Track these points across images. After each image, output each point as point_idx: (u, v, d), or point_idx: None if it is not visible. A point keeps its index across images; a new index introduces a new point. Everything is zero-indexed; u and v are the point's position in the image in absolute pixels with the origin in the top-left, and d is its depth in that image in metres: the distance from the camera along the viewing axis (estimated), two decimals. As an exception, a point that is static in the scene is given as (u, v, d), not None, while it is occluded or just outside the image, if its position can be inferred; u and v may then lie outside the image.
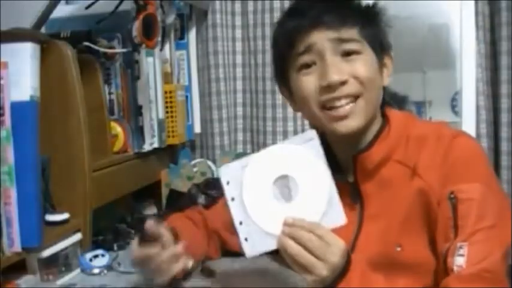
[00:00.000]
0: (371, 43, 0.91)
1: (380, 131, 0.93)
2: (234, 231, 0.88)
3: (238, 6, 1.78)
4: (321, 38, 0.89)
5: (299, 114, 1.74)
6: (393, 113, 0.96)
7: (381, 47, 0.93)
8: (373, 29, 0.92)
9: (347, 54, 0.89)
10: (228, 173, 0.80)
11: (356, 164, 0.92)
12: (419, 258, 0.89)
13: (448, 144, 0.88)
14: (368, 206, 0.93)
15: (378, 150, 0.92)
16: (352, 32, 0.89)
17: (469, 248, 0.80)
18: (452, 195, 0.84)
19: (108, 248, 1.26)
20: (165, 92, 1.57)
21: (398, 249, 0.89)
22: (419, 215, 0.88)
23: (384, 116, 0.95)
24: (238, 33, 1.80)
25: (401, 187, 0.90)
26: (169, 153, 1.67)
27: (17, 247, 1.00)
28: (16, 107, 0.99)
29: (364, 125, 0.91)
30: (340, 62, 0.89)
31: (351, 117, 0.89)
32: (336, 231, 0.87)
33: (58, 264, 1.12)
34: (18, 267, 1.06)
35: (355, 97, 0.89)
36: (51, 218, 1.14)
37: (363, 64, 0.90)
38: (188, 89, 1.76)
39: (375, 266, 0.85)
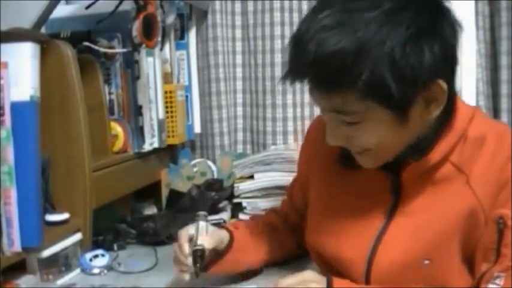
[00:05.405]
0: (383, 100, 0.74)
1: (441, 128, 0.82)
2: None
3: (238, 6, 1.78)
4: (319, 97, 0.79)
5: (299, 114, 1.76)
6: (461, 107, 0.84)
7: (412, 90, 0.74)
8: (387, 80, 0.72)
9: (343, 122, 0.79)
10: None
11: (403, 165, 0.84)
12: (448, 277, 0.82)
13: (507, 158, 0.80)
14: (406, 199, 0.85)
15: (435, 154, 0.82)
16: (347, 99, 0.75)
17: (506, 281, 0.78)
18: (500, 220, 0.79)
19: (108, 248, 1.26)
20: (165, 92, 1.57)
21: (427, 262, 0.82)
22: (461, 235, 0.81)
23: (451, 109, 0.82)
24: (238, 33, 1.80)
25: (450, 193, 0.82)
26: (169, 153, 1.67)
27: (17, 247, 1.00)
28: (16, 107, 0.99)
29: (387, 160, 0.83)
30: (339, 125, 0.80)
31: (365, 161, 0.85)
32: (358, 224, 0.86)
33: (58, 264, 1.12)
34: (18, 267, 1.06)
35: (362, 151, 0.83)
36: (51, 218, 1.14)
37: (362, 134, 0.79)
38: (188, 89, 1.76)
39: (395, 277, 0.82)
